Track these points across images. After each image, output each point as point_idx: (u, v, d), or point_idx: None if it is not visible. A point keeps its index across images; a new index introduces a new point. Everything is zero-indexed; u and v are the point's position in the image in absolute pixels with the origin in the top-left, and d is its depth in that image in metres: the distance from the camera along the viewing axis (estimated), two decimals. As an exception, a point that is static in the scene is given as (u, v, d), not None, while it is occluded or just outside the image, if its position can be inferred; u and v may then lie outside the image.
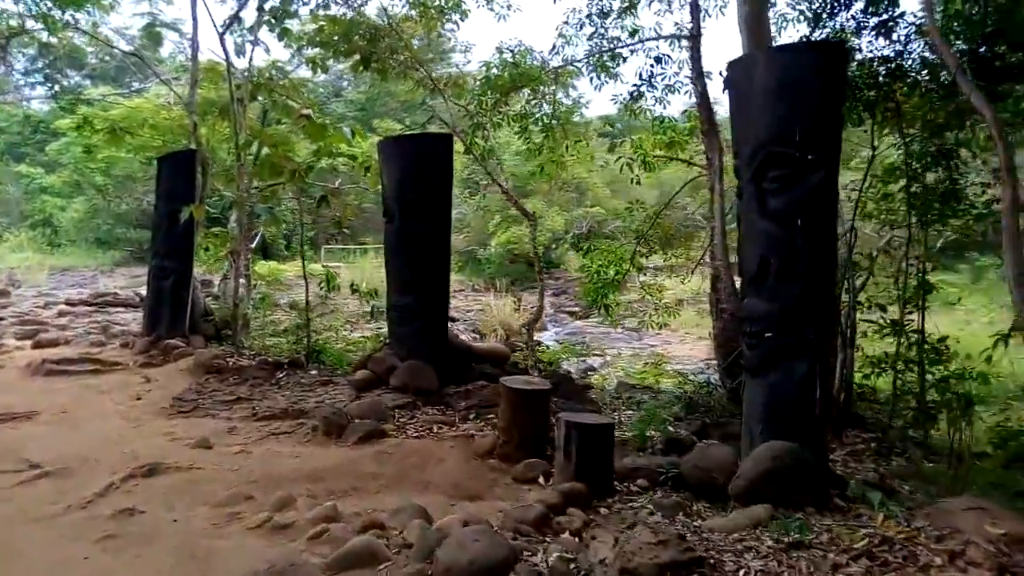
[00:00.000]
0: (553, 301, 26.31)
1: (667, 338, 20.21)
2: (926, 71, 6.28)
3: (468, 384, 7.06)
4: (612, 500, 4.33)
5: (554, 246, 31.51)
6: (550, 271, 31.75)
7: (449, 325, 7.44)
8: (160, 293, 9.19)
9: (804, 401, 4.14)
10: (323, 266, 11.70)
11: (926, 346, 6.31)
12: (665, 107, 8.86)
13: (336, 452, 5.17)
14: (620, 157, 9.05)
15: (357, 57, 9.98)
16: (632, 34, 8.98)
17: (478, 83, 9.33)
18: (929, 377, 6.14)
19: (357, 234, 30.90)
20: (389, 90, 33.39)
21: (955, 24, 5.89)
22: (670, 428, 5.87)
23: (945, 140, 6.07)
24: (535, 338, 9.10)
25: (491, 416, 6.45)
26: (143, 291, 11.25)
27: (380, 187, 7.61)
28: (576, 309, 24.86)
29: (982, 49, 6.00)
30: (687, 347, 19.29)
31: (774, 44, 6.97)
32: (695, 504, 4.40)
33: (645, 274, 9.53)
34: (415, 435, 5.68)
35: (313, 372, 7.74)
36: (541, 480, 4.60)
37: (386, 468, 4.82)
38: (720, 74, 7.04)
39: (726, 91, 4.82)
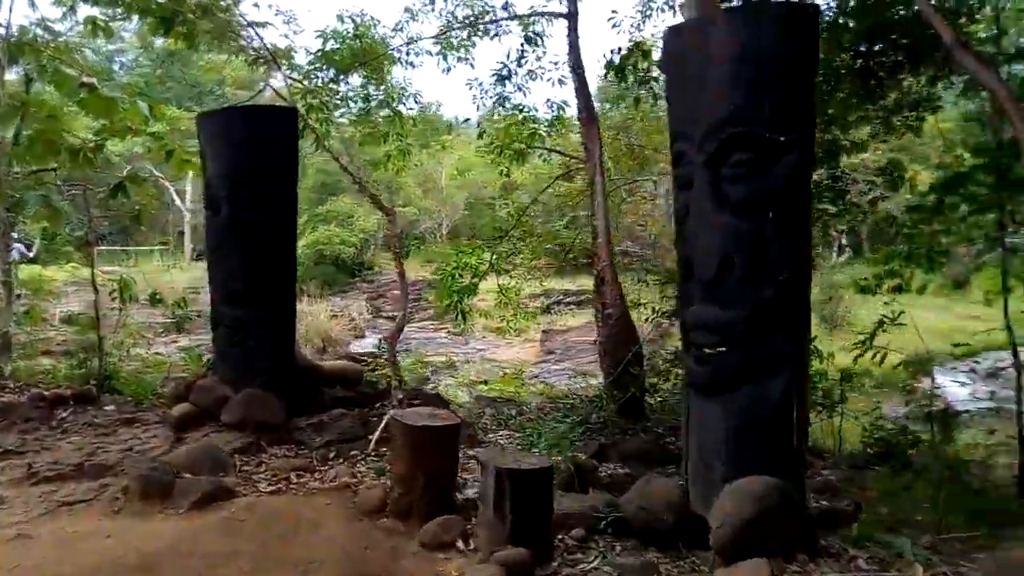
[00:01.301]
0: (370, 305, 24.90)
1: (494, 342, 19.78)
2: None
3: (321, 414, 5.83)
4: (556, 564, 3.44)
5: (371, 247, 30.03)
6: (363, 274, 30.25)
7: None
8: None
9: (779, 427, 3.51)
10: (101, 272, 9.62)
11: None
12: (526, 95, 8.13)
13: (166, 526, 3.78)
14: (492, 143, 8.18)
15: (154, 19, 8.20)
16: (480, 16, 8.17)
17: (314, 56, 8.00)
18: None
19: (131, 234, 27.27)
20: (180, 70, 29.96)
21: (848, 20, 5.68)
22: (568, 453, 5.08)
23: (835, 137, 5.87)
24: (365, 349, 8.02)
25: (356, 454, 5.30)
26: None
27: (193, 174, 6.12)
28: (397, 314, 23.75)
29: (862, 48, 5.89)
30: (515, 351, 18.95)
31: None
32: (645, 552, 3.65)
33: (502, 276, 8.72)
34: (270, 489, 4.41)
35: (110, 408, 6.05)
36: (460, 544, 3.59)
37: (243, 543, 3.54)
38: (604, 56, 6.42)
39: (662, 65, 4.12)
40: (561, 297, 20.64)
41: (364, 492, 4.11)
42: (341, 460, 5.17)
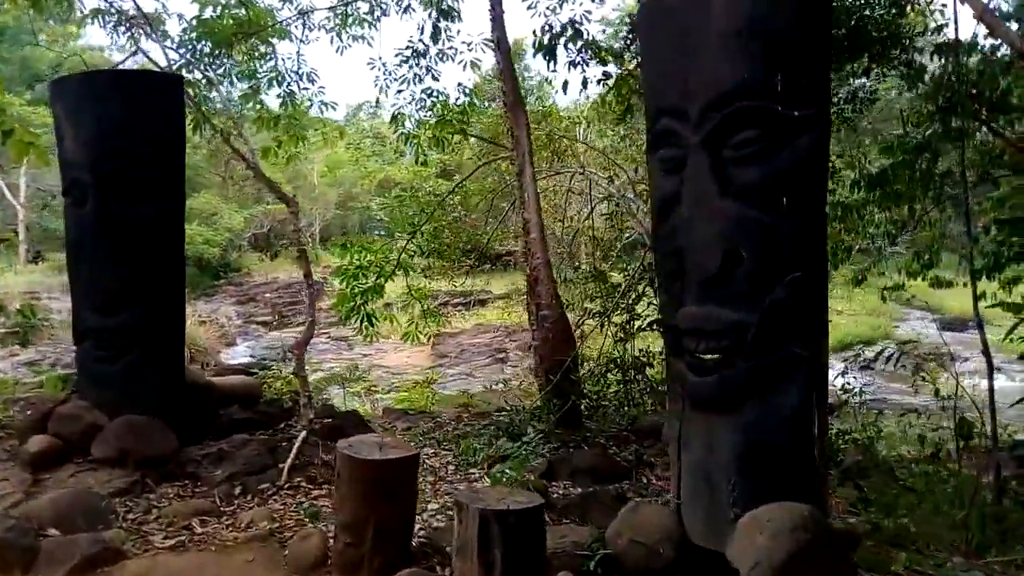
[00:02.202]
0: (240, 310, 23.13)
1: (381, 347, 18.78)
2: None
3: (219, 441, 4.93)
4: (552, 623, 2.85)
5: (237, 247, 28.02)
6: (229, 276, 28.18)
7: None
8: None
9: (798, 443, 3.09)
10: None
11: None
12: (436, 78, 7.46)
13: (32, 611, 2.86)
14: (399, 131, 7.41)
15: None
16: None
17: (189, 24, 6.94)
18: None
19: None
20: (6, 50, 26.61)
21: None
22: (530, 476, 4.50)
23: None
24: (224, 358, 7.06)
25: (267, 489, 4.47)
26: None
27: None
28: (270, 319, 22.13)
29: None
30: (404, 355, 18.09)
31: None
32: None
33: (411, 275, 7.98)
34: (169, 543, 3.53)
35: (-68, 444, 4.83)
36: (431, 606, 2.92)
37: (144, 628, 2.70)
38: (545, 29, 5.84)
39: (641, 32, 3.61)
40: (448, 299, 19.97)
41: (297, 543, 3.32)
42: (250, 497, 4.33)
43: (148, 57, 6.76)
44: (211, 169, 28.06)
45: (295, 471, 4.69)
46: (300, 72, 7.48)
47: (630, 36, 5.66)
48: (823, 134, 3.15)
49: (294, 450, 4.79)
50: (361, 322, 7.48)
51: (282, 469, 4.64)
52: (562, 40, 5.88)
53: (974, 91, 5.78)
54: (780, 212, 3.07)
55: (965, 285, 7.35)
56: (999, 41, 6.27)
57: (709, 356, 3.23)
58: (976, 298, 4.67)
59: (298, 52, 7.53)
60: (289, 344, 17.92)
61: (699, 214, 3.23)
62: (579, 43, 5.91)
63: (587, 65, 6.09)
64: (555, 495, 4.73)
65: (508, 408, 6.37)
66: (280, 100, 7.47)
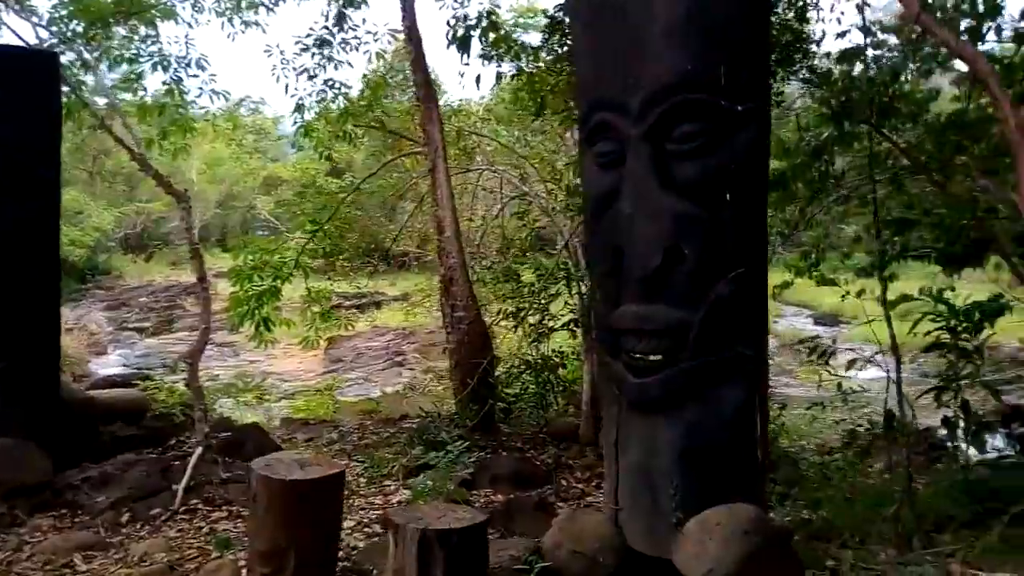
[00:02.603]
0: (111, 316, 21.43)
1: (269, 352, 17.79)
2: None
3: (103, 462, 4.41)
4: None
5: (106, 249, 26.01)
6: (97, 279, 26.13)
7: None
8: None
9: (741, 443, 3.03)
10: None
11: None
12: (338, 67, 7.07)
13: None
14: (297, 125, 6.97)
15: None
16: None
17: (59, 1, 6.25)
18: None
19: None
20: None
21: None
22: (450, 486, 4.26)
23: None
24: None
25: (159, 514, 4.02)
26: None
27: None
28: (146, 325, 20.60)
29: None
30: (295, 361, 17.27)
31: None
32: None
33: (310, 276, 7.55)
34: (48, 585, 3.06)
35: None
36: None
37: None
38: (460, 19, 5.60)
39: (572, 17, 3.46)
40: (341, 301, 19.28)
41: (205, 576, 2.96)
42: (140, 526, 3.88)
43: (16, 34, 6.04)
44: (77, 163, 26.01)
45: (191, 493, 4.25)
46: (188, 58, 6.90)
47: (548, 31, 5.53)
48: (764, 129, 3.12)
49: (189, 469, 4.35)
50: (257, 327, 6.99)
51: (176, 491, 4.19)
52: (477, 31, 5.68)
53: (863, 96, 6.04)
54: (722, 208, 3.00)
55: (847, 283, 7.74)
56: (886, 48, 6.63)
57: (650, 356, 3.14)
58: (885, 293, 4.83)
59: (186, 36, 6.90)
60: (171, 352, 16.80)
61: (640, 210, 3.13)
62: (492, 36, 5.73)
63: (501, 59, 5.92)
64: (476, 504, 4.53)
65: (423, 414, 6.10)
66: (166, 87, 6.86)
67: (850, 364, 4.96)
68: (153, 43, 6.82)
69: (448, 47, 5.72)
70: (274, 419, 8.33)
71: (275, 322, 7.29)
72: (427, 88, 5.85)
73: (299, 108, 6.87)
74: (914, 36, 6.83)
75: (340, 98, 7.21)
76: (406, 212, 11.18)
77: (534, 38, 6.73)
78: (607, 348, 3.44)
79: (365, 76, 7.16)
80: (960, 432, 4.32)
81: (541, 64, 6.08)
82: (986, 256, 7.27)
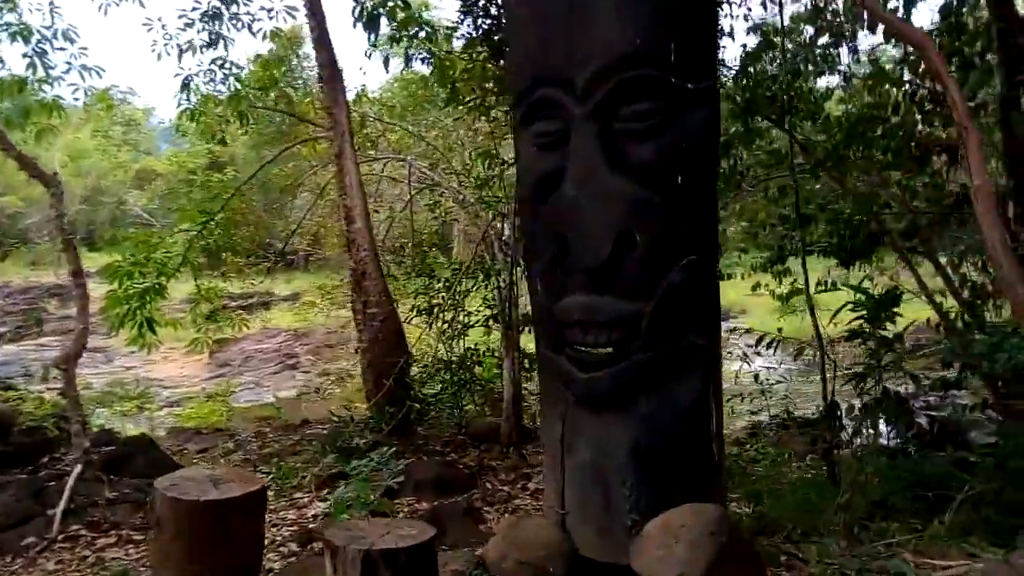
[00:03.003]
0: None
1: (148, 357, 16.49)
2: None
3: (-41, 487, 3.79)
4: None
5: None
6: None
7: None
8: None
9: (697, 437, 2.90)
10: None
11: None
12: (228, 46, 6.52)
13: None
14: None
15: None
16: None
17: None
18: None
19: None
20: None
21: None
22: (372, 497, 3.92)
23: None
24: None
25: (34, 544, 3.49)
26: None
27: None
28: (3, 330, 18.63)
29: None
30: (176, 366, 16.09)
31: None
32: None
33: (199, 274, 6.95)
34: None
35: None
36: None
37: None
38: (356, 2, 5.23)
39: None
40: (227, 302, 18.13)
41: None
42: (11, 559, 3.34)
43: None
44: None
45: (72, 517, 3.73)
46: (53, 28, 6.16)
47: (462, 13, 5.26)
48: (715, 109, 3.00)
49: (67, 490, 3.81)
50: (139, 329, 6.35)
51: (54, 516, 3.65)
52: (385, 10, 5.34)
53: (768, 94, 6.15)
54: (674, 191, 2.85)
55: (743, 277, 7.94)
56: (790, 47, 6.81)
57: (598, 350, 2.95)
58: (808, 286, 4.89)
59: (51, 4, 6.14)
60: (35, 359, 15.25)
61: (587, 194, 2.92)
62: (402, 15, 5.41)
63: (411, 41, 5.61)
64: (400, 513, 4.23)
65: (334, 418, 5.69)
66: (27, 61, 6.09)
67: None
68: (10, 10, 6.04)
69: (354, 26, 5.34)
70: (158, 429, 7.65)
71: (159, 323, 6.66)
72: (332, 68, 5.47)
73: (185, 87, 6.26)
74: (807, 40, 7.08)
75: (231, 79, 6.66)
76: (297, 207, 10.63)
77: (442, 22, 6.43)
78: (549, 342, 3.22)
79: (260, 56, 6.62)
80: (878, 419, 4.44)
81: (453, 49, 5.83)
82: (876, 250, 7.63)
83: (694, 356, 2.89)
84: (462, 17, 5.26)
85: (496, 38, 5.27)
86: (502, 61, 5.34)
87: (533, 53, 3.16)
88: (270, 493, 4.70)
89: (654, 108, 2.82)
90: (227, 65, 6.62)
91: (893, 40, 7.33)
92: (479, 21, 5.34)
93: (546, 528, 3.09)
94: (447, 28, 5.61)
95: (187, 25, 6.39)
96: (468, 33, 5.54)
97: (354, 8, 5.40)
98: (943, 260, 7.48)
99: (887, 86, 6.76)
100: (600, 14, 2.86)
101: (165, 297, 6.75)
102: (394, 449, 4.34)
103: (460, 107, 5.99)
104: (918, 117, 6.52)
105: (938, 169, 6.97)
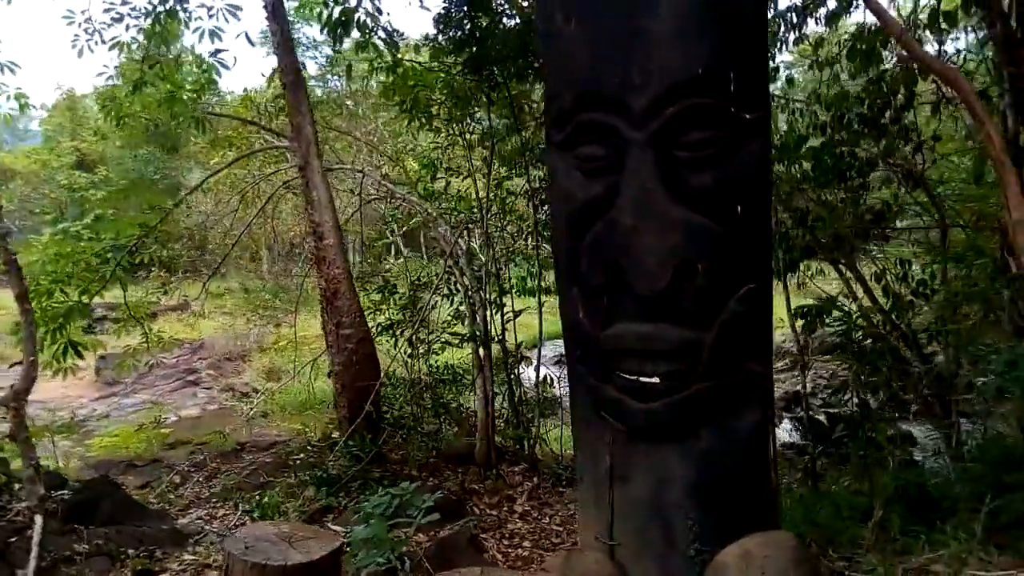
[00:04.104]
0: None
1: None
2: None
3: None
4: None
5: None
6: None
7: None
8: None
9: (757, 467, 2.91)
10: None
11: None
12: (162, 43, 6.02)
13: None
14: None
15: None
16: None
17: None
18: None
19: None
20: None
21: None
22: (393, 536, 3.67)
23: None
24: None
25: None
26: None
27: None
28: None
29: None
30: (58, 386, 14.58)
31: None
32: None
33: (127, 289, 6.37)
34: None
35: None
36: None
37: None
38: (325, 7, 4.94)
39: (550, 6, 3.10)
40: (106, 313, 16.70)
41: None
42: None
43: None
44: None
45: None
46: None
47: (442, 23, 5.09)
48: (768, 138, 3.03)
49: (35, 547, 3.34)
50: (64, 352, 5.75)
51: (22, 579, 3.19)
52: (357, 16, 5.10)
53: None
54: (734, 220, 2.86)
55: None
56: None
57: (657, 381, 2.91)
58: (789, 300, 5.05)
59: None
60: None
61: (644, 222, 2.86)
62: (374, 23, 5.18)
63: (378, 49, 5.39)
64: (405, 548, 4.01)
65: (309, 446, 5.35)
66: (-73, 50, 5.35)
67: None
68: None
69: (323, 30, 5.06)
70: (71, 459, 6.94)
71: (85, 346, 6.06)
72: (295, 75, 5.14)
73: (140, 81, 5.69)
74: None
75: (160, 81, 6.15)
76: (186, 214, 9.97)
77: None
78: (594, 370, 3.15)
79: (200, 56, 6.14)
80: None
81: (420, 59, 5.65)
82: (804, 263, 8.08)
83: (753, 384, 2.91)
84: (442, 27, 5.09)
85: (473, 50, 5.16)
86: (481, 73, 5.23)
87: (580, 74, 3.06)
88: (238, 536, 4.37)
89: (714, 137, 2.81)
90: (158, 65, 6.10)
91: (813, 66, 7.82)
92: (453, 32, 5.21)
93: (602, 563, 3.01)
94: (425, 39, 5.42)
95: (115, 20, 5.83)
96: (440, 43, 5.40)
97: (320, 12, 5.13)
98: (866, 272, 8.00)
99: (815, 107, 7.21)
100: (661, 39, 2.80)
101: (89, 316, 6.15)
102: (417, 484, 4.09)
103: (421, 118, 5.82)
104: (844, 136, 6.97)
105: (857, 187, 7.46)
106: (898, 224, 8.23)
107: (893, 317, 6.69)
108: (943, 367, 6.39)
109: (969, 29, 6.31)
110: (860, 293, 7.32)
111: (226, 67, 6.24)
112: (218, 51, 5.80)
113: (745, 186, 2.87)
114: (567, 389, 6.86)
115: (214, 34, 6.32)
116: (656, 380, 2.88)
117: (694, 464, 2.88)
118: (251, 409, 8.39)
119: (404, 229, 6.47)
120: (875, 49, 5.45)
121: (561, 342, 3.67)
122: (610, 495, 3.09)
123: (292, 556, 2.22)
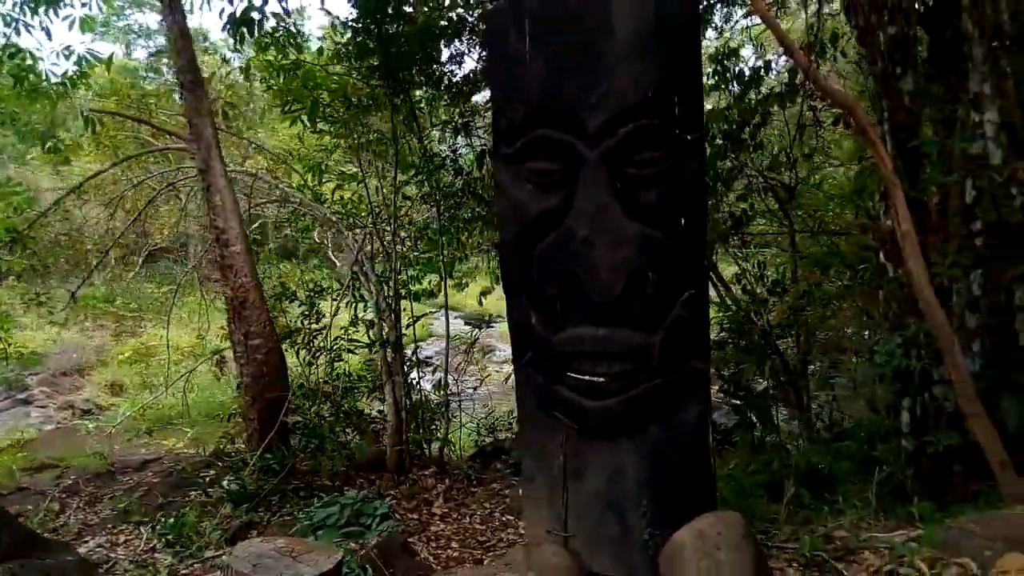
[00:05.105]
0: None
1: None
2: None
3: None
4: None
5: None
6: None
7: None
8: None
9: (700, 456, 3.20)
10: None
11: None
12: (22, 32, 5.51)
13: None
14: None
15: None
16: None
17: None
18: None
19: None
20: None
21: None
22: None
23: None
24: None
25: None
26: None
27: None
28: None
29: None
30: None
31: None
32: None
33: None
34: None
35: None
36: None
37: None
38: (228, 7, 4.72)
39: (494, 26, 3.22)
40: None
41: None
42: None
43: None
44: None
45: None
46: None
47: (355, 30, 5.05)
48: (704, 158, 3.33)
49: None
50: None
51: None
52: (259, 15, 4.95)
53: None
54: (678, 232, 3.13)
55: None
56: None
57: (611, 381, 3.12)
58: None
59: None
60: None
61: (599, 235, 3.07)
62: (280, 23, 5.06)
63: (284, 47, 5.26)
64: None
65: (218, 462, 5.08)
66: None
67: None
68: None
69: (223, 29, 4.87)
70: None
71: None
72: (194, 74, 4.90)
73: (20, 78, 5.12)
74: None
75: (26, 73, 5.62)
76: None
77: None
78: (548, 372, 3.32)
79: (68, 48, 5.62)
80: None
81: (320, 61, 5.56)
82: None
83: (696, 380, 3.20)
84: (355, 34, 5.05)
85: (374, 59, 5.18)
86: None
87: (535, 92, 3.20)
88: (165, 557, 4.13)
89: (660, 156, 3.07)
90: (16, 56, 5.57)
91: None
92: (359, 38, 5.18)
93: (560, 554, 3.18)
94: (328, 40, 5.33)
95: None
96: (344, 47, 5.36)
97: (221, 11, 4.92)
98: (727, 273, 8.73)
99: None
100: (615, 62, 3.02)
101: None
102: (365, 492, 4.01)
103: (317, 121, 5.73)
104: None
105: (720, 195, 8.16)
106: (750, 230, 9.04)
107: (752, 315, 7.39)
108: (792, 357, 7.18)
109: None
110: (723, 293, 8.01)
111: (99, 60, 5.79)
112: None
113: (687, 201, 3.15)
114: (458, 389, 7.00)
115: (87, 22, 5.88)
116: (605, 379, 3.10)
117: (645, 456, 3.13)
118: (114, 427, 7.76)
119: (294, 233, 6.29)
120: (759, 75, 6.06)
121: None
122: (564, 491, 3.28)
123: (302, 570, 2.19)
